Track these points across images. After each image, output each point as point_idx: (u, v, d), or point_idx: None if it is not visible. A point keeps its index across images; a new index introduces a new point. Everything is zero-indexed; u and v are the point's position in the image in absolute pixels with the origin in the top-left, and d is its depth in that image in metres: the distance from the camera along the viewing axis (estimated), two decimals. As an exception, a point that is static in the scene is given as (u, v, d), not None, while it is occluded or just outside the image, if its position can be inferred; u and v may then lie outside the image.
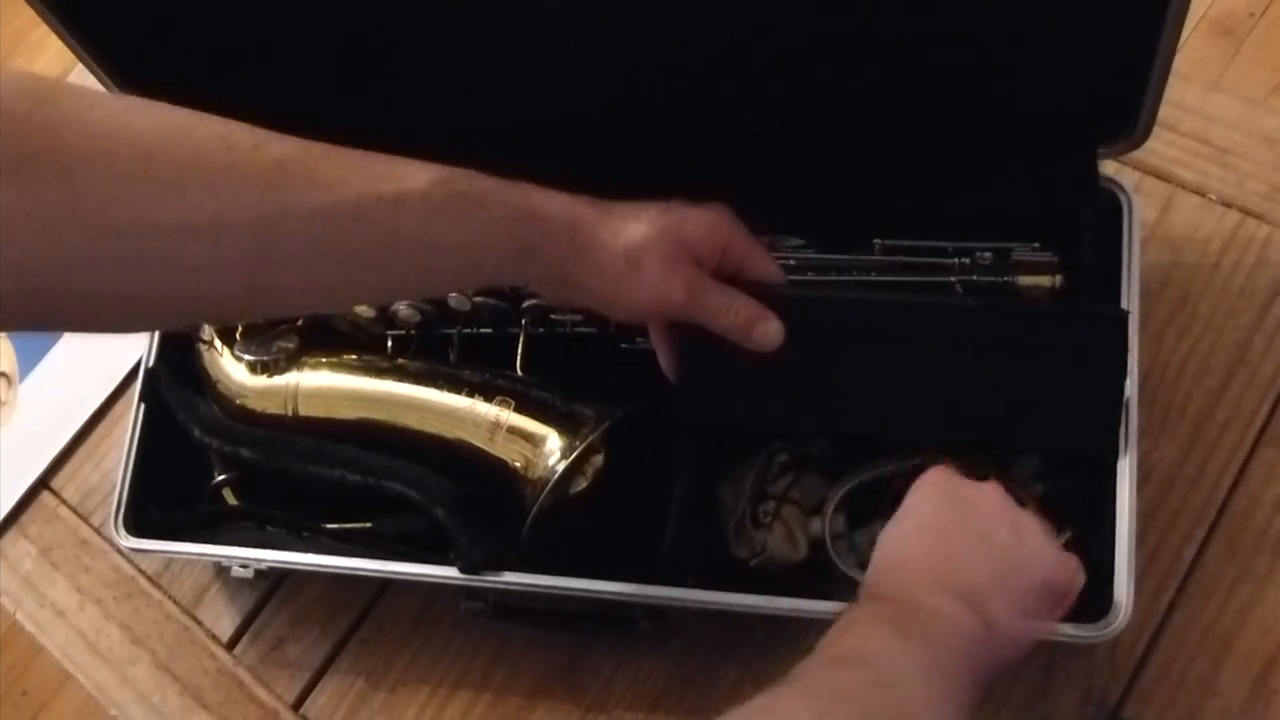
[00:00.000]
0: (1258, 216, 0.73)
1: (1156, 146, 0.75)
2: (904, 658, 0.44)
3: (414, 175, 0.47)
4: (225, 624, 0.76)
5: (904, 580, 0.50)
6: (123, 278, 0.42)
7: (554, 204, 0.51)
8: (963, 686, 0.45)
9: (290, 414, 0.70)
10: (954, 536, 0.51)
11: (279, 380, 0.70)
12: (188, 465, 0.73)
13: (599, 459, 0.67)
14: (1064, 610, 0.51)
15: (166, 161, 0.41)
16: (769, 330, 0.56)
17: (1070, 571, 0.51)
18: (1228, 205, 0.73)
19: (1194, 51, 0.81)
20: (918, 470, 0.55)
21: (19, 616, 0.80)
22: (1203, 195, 0.74)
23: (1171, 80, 0.76)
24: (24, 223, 0.39)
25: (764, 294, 0.56)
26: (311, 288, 0.48)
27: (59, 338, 0.88)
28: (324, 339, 0.71)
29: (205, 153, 0.42)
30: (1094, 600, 0.57)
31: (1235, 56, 0.82)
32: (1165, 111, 0.75)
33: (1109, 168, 0.68)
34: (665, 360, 0.61)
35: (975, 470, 0.56)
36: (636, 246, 0.52)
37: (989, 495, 0.52)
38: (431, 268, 0.49)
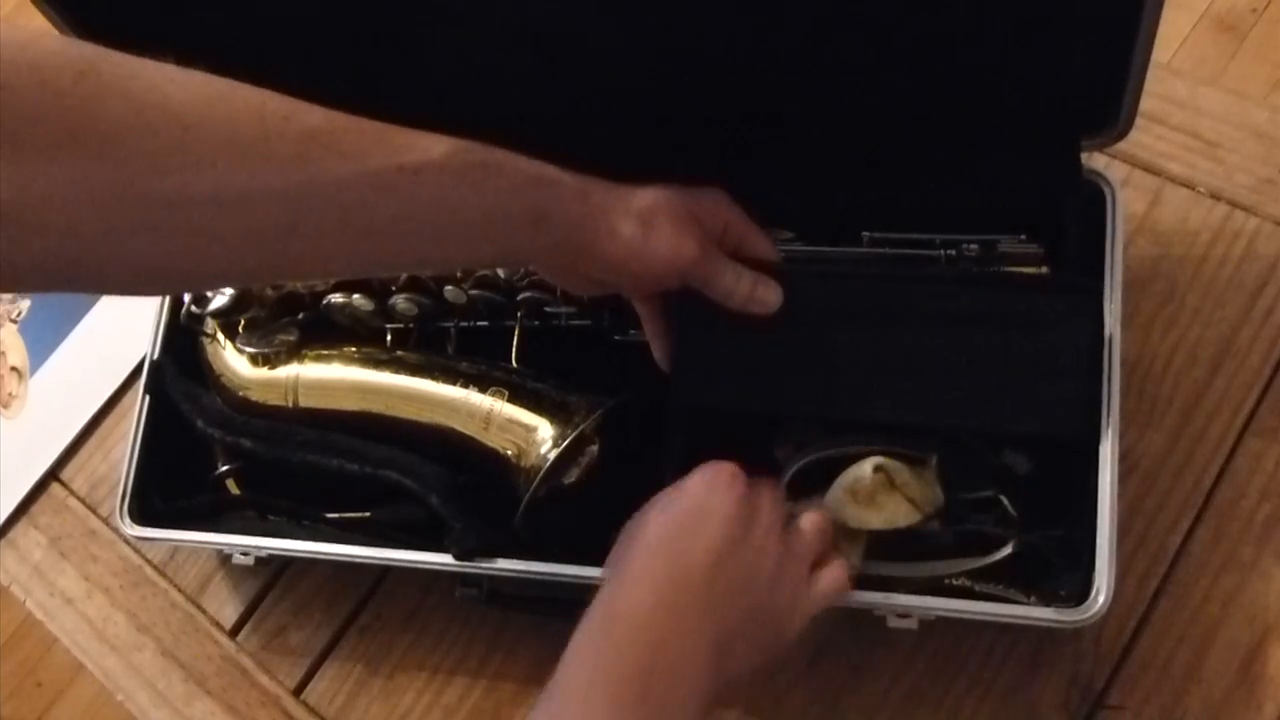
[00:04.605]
0: (1246, 209, 0.73)
1: (1146, 140, 0.75)
2: None
3: (433, 146, 0.48)
4: (228, 612, 0.78)
5: (660, 607, 0.49)
6: (154, 246, 0.43)
7: (565, 174, 0.53)
8: None
9: (291, 405, 0.71)
10: (724, 571, 0.50)
11: (280, 372, 0.72)
12: (192, 456, 0.75)
13: (593, 448, 0.68)
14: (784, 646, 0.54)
15: (202, 134, 0.42)
16: (770, 292, 0.59)
17: (804, 614, 0.54)
18: (1216, 198, 0.74)
19: (1195, 47, 0.82)
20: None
21: (29, 605, 0.82)
22: (1192, 188, 0.74)
23: (1162, 74, 0.77)
24: (64, 193, 0.40)
25: (761, 270, 0.59)
26: (335, 256, 0.49)
27: (68, 333, 0.90)
28: (324, 332, 0.73)
29: (239, 125, 0.44)
30: (1075, 586, 0.57)
31: (1237, 53, 0.82)
32: (1155, 105, 0.76)
33: (1099, 161, 0.69)
34: (658, 349, 0.62)
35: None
36: (648, 208, 0.55)
37: (765, 517, 0.53)
38: (449, 235, 0.51)
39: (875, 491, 0.59)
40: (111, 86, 0.41)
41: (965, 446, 0.60)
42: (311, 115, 0.46)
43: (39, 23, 0.64)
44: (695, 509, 0.53)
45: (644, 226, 0.54)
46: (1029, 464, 0.60)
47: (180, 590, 0.79)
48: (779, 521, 0.54)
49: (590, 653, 0.48)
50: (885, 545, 0.60)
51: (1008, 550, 0.59)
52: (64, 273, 0.43)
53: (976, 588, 0.59)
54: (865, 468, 0.60)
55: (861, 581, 0.59)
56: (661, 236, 0.55)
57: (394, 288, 0.71)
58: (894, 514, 0.59)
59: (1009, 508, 0.60)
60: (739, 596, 0.51)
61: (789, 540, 0.55)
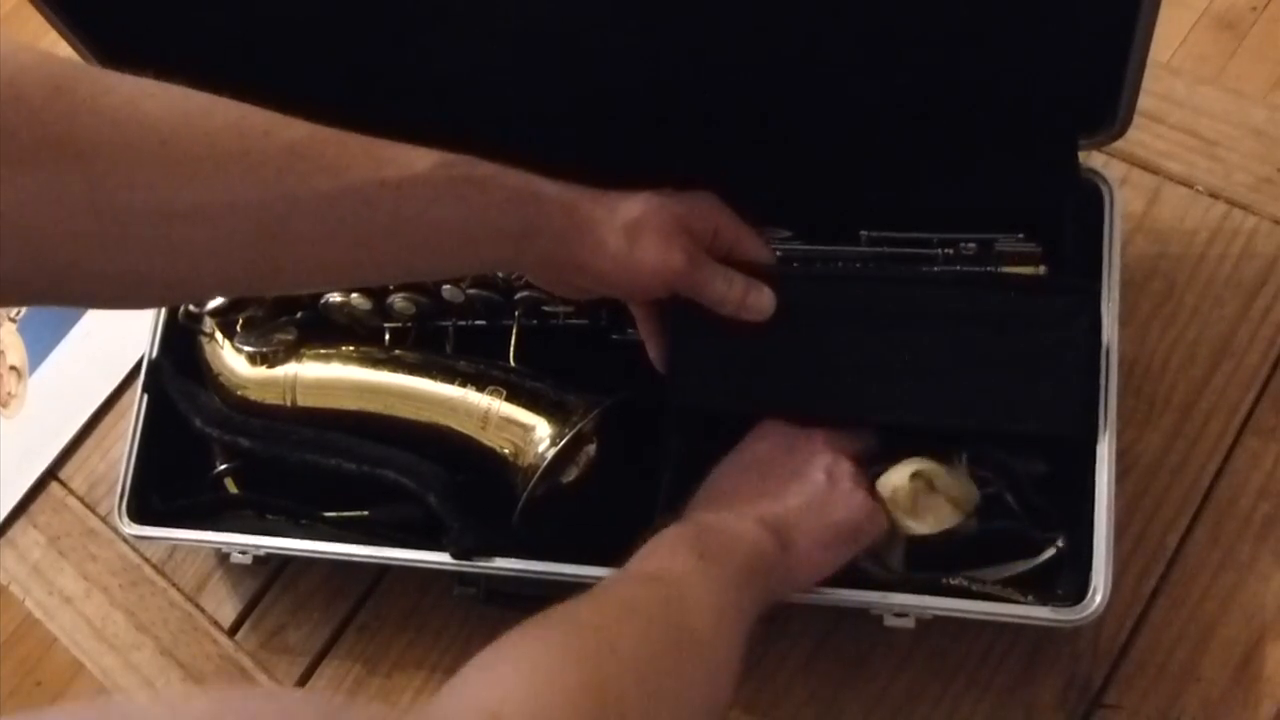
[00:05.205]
0: (1244, 208, 0.73)
1: (1144, 139, 0.75)
2: (698, 575, 0.50)
3: (417, 160, 0.48)
4: (227, 611, 0.78)
5: (719, 507, 0.57)
6: (134, 259, 0.43)
7: (552, 187, 0.54)
8: (750, 599, 0.51)
9: (289, 404, 0.71)
10: (772, 474, 0.58)
11: (278, 371, 0.72)
12: (190, 455, 0.75)
13: (590, 447, 0.68)
14: (859, 548, 0.57)
15: (181, 147, 0.43)
16: (762, 298, 0.58)
17: (867, 515, 0.57)
18: (1215, 196, 0.74)
19: (1195, 46, 0.82)
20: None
21: (28, 604, 0.82)
22: (1190, 187, 0.74)
23: (1160, 73, 0.77)
24: (41, 208, 0.40)
25: (754, 273, 0.59)
26: (317, 269, 0.49)
27: (67, 332, 0.90)
28: (322, 331, 0.73)
29: (219, 138, 0.44)
30: (1073, 585, 0.57)
31: (1236, 51, 0.82)
32: (1153, 104, 0.76)
33: (1097, 160, 0.69)
34: (653, 350, 0.62)
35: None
36: (634, 221, 0.55)
37: (812, 440, 0.59)
38: (434, 249, 0.51)
39: (916, 497, 0.59)
40: (87, 102, 0.41)
41: (982, 447, 0.60)
42: (292, 129, 0.46)
43: (37, 23, 0.64)
44: (746, 444, 0.61)
45: (630, 239, 0.54)
46: (1045, 466, 0.60)
47: (179, 589, 0.79)
48: (831, 440, 0.59)
49: (666, 533, 0.55)
50: (925, 548, 0.60)
51: (1051, 552, 0.59)
52: (46, 286, 0.43)
53: (974, 586, 0.59)
54: (903, 475, 0.59)
55: (863, 579, 0.60)
56: (648, 249, 0.55)
57: (392, 287, 0.71)
58: (939, 518, 0.59)
59: (1015, 506, 0.60)
60: (790, 492, 0.57)
61: (842, 454, 0.59)
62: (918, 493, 0.59)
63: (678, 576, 0.50)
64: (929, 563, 0.60)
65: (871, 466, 0.61)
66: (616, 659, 0.43)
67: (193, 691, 0.40)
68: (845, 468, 0.58)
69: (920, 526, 0.59)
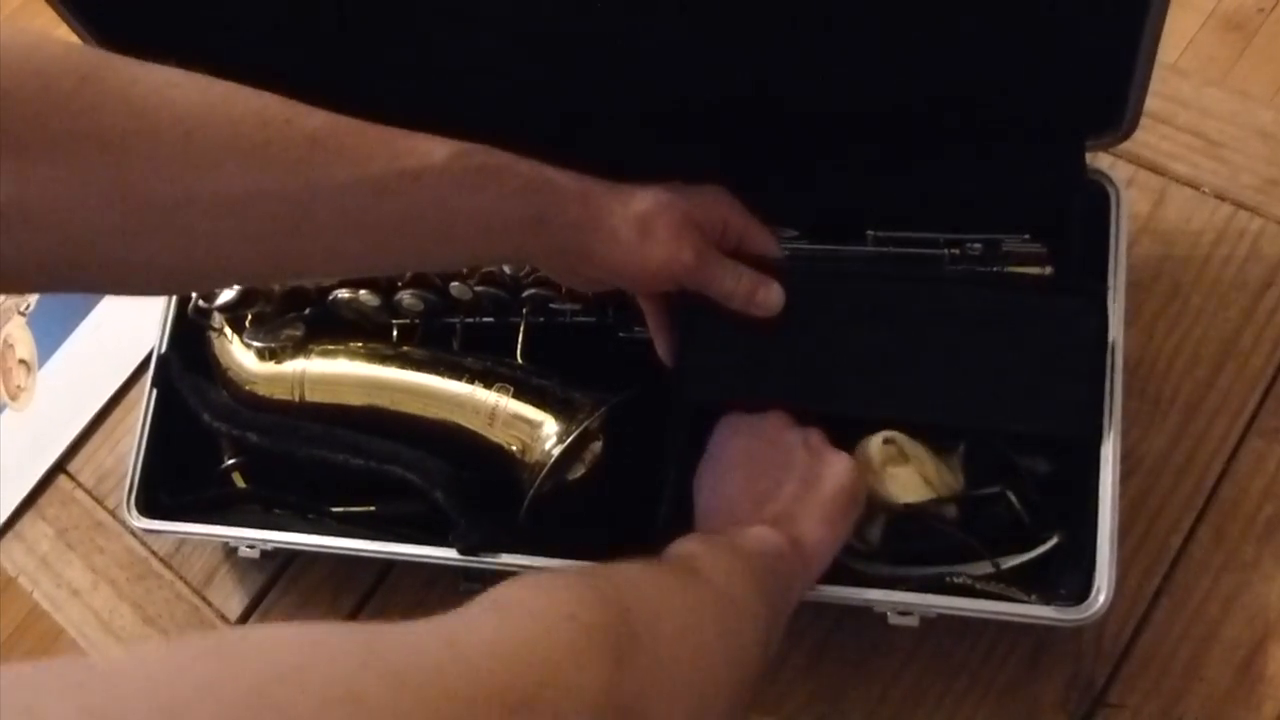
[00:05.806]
0: (1250, 209, 0.73)
1: (1151, 140, 0.75)
2: (714, 559, 0.50)
3: (434, 150, 0.49)
4: (234, 604, 0.78)
5: (721, 522, 0.57)
6: (156, 247, 0.44)
7: (565, 177, 0.54)
8: (768, 589, 0.51)
9: (297, 400, 0.72)
10: (757, 470, 0.58)
11: (286, 367, 0.72)
12: (198, 450, 0.75)
13: (596, 445, 0.68)
14: (857, 513, 0.58)
15: (204, 137, 0.43)
16: (771, 293, 0.59)
17: (853, 476, 0.58)
18: (1221, 198, 0.74)
19: (1201, 47, 0.82)
20: None
21: (36, 596, 0.82)
22: (1196, 188, 0.75)
23: (1167, 74, 0.78)
24: (65, 197, 0.40)
25: (763, 268, 0.59)
26: (335, 257, 0.50)
27: (76, 326, 0.91)
28: (330, 327, 0.73)
29: (242, 128, 0.44)
30: (1076, 584, 0.58)
31: (1243, 53, 0.82)
32: (1160, 105, 0.76)
33: (1104, 161, 0.69)
34: (661, 344, 0.63)
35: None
36: (646, 213, 0.55)
37: (778, 419, 0.60)
38: (449, 237, 0.51)
39: (886, 463, 0.60)
40: (114, 92, 0.41)
41: (987, 444, 0.60)
42: (313, 119, 0.46)
43: (44, 20, 0.64)
44: (719, 447, 0.61)
45: (641, 232, 0.55)
46: (1048, 466, 0.60)
47: (186, 582, 0.80)
48: (792, 421, 0.60)
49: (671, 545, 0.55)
50: (903, 528, 0.60)
51: (1046, 547, 0.59)
52: (67, 273, 0.43)
53: (978, 585, 0.60)
54: (876, 440, 0.60)
55: (864, 577, 0.60)
56: (658, 243, 0.55)
57: (400, 284, 0.71)
58: (907, 487, 0.60)
59: (1017, 505, 0.61)
60: (781, 482, 0.57)
61: (807, 431, 0.60)
62: (889, 458, 0.60)
63: (687, 553, 0.51)
64: (906, 545, 0.61)
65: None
66: (631, 588, 0.43)
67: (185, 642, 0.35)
68: (817, 435, 0.59)
69: (884, 490, 0.60)
